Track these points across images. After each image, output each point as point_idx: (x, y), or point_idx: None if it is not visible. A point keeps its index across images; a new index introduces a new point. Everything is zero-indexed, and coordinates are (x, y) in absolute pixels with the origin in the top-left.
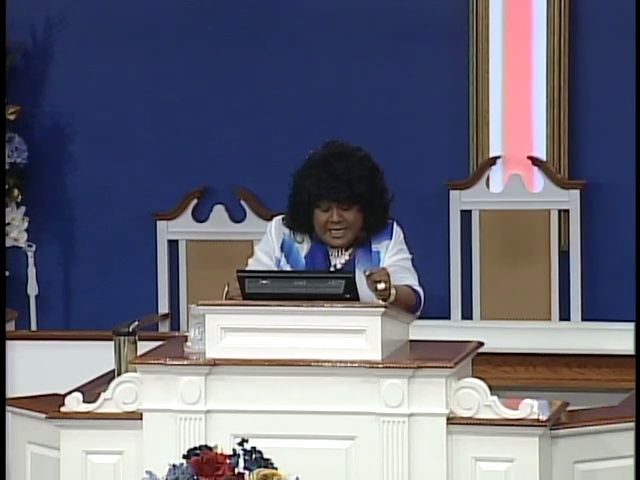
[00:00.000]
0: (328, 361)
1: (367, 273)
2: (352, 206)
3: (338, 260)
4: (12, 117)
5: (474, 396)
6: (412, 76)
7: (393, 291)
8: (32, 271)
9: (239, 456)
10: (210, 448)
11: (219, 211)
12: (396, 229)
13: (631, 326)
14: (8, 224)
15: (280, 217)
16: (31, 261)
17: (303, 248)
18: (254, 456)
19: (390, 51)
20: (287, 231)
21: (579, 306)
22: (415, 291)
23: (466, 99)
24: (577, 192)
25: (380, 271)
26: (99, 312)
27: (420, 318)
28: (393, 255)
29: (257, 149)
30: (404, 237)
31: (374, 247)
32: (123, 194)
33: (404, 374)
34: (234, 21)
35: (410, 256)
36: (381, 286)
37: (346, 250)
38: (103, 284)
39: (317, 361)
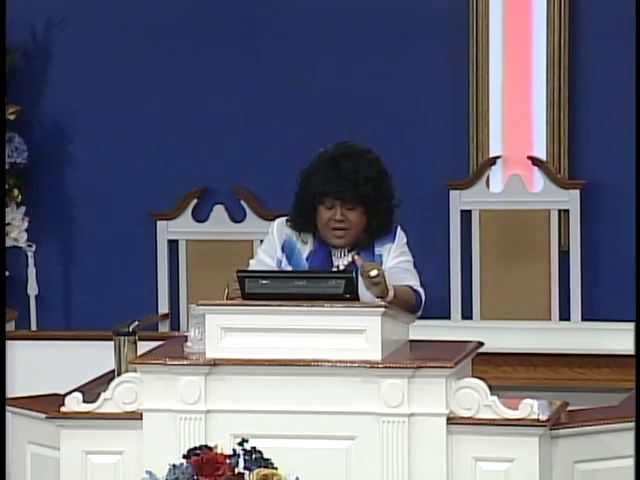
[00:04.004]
0: (328, 361)
1: (358, 263)
2: (356, 206)
3: (341, 261)
4: (12, 117)
5: (474, 396)
6: (412, 76)
7: (391, 293)
8: (32, 271)
9: (239, 456)
10: (210, 448)
11: (219, 211)
12: (399, 233)
13: (631, 326)
14: (8, 224)
15: (282, 218)
16: (31, 261)
17: (305, 249)
18: (254, 456)
19: (390, 51)
20: (289, 231)
21: (579, 306)
22: (415, 291)
23: (466, 99)
24: (577, 192)
25: (372, 263)
26: (99, 312)
27: (420, 318)
28: (395, 257)
29: (257, 149)
30: (407, 241)
31: (377, 250)
32: (123, 194)
33: (404, 374)
34: (234, 21)
35: (412, 259)
36: (373, 272)
37: (349, 251)
38: (103, 284)
39: (317, 361)
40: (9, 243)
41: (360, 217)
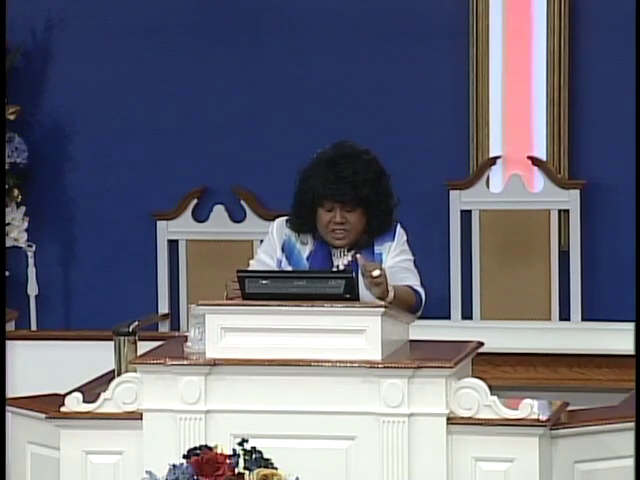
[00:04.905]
0: (328, 361)
1: (360, 262)
2: (355, 208)
3: (341, 261)
4: (12, 117)
5: (474, 396)
6: (412, 76)
7: (391, 294)
8: (32, 271)
9: (239, 456)
10: (210, 448)
11: (219, 211)
12: (399, 231)
13: (631, 326)
14: (8, 224)
15: (282, 218)
16: (31, 261)
17: (305, 249)
18: (254, 456)
19: (390, 51)
20: (288, 232)
21: (579, 306)
22: (415, 291)
23: (466, 99)
24: (577, 192)
25: (374, 264)
26: (99, 312)
27: (420, 318)
28: (395, 256)
29: (257, 149)
30: (407, 239)
31: (377, 249)
32: (123, 194)
33: (404, 374)
34: (234, 21)
35: (412, 257)
36: (376, 273)
37: (349, 251)
38: (103, 284)
39: (317, 361)
40: (9, 243)
41: (360, 218)
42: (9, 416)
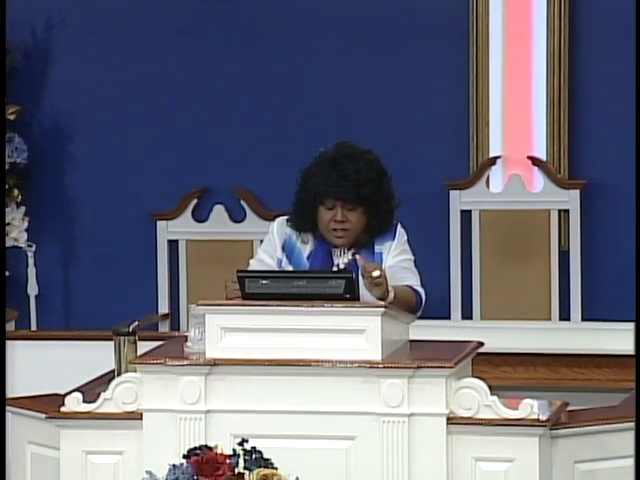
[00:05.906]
0: (328, 361)
1: (360, 263)
2: (357, 207)
3: (341, 260)
4: (12, 117)
5: (474, 396)
6: (412, 76)
7: (391, 294)
8: (32, 271)
9: (239, 456)
10: (210, 448)
11: (219, 211)
12: (399, 231)
13: (631, 326)
14: (8, 224)
15: (282, 218)
16: (31, 261)
17: (306, 249)
18: (254, 456)
19: (390, 51)
20: (289, 231)
21: (579, 306)
22: (416, 291)
23: (466, 99)
24: (577, 192)
25: (374, 264)
26: (99, 312)
27: (420, 318)
28: (395, 256)
29: (257, 149)
30: (407, 239)
31: (377, 248)
32: (123, 194)
33: (404, 374)
34: (234, 22)
35: (412, 257)
36: (376, 273)
37: (349, 250)
38: (103, 284)
39: (317, 361)
40: (9, 243)
41: (360, 217)
42: (9, 416)
